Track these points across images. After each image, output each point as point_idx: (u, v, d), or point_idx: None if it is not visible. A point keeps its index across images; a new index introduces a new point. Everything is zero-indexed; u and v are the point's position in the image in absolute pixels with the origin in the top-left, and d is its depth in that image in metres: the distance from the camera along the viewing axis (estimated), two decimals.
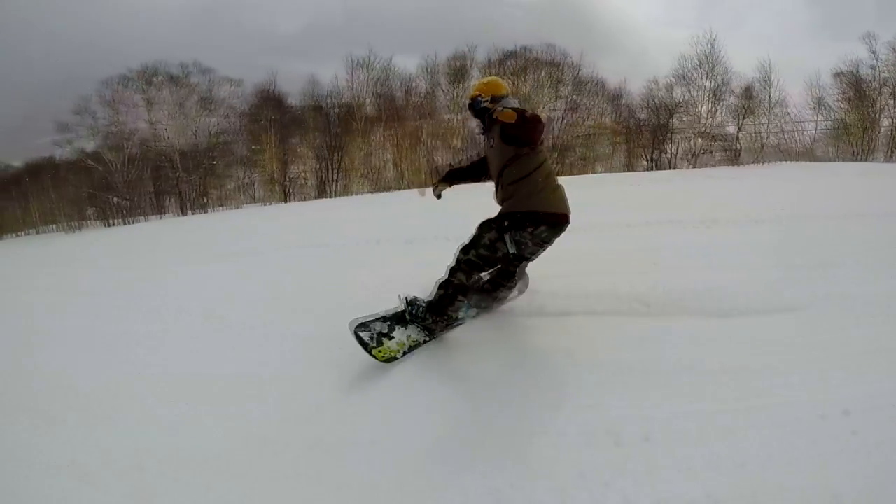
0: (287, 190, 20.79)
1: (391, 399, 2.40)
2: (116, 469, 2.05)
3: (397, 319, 2.76)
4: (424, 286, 2.95)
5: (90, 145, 21.01)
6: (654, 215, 5.59)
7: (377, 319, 2.71)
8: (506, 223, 2.63)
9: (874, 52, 16.86)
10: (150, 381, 2.91)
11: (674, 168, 17.71)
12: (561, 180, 2.70)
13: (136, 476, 2.00)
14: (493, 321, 2.99)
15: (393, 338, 2.67)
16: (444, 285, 2.72)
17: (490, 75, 4.12)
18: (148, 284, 5.27)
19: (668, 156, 18.62)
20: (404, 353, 2.68)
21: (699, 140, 18.12)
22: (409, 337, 2.71)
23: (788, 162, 16.16)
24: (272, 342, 3.22)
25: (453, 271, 2.71)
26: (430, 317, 2.73)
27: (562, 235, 2.72)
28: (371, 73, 19.82)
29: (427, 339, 2.78)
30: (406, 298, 2.79)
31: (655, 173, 15.72)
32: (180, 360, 3.23)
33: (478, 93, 2.71)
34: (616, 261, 3.78)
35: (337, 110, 20.18)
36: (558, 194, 2.71)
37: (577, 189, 3.06)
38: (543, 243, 2.68)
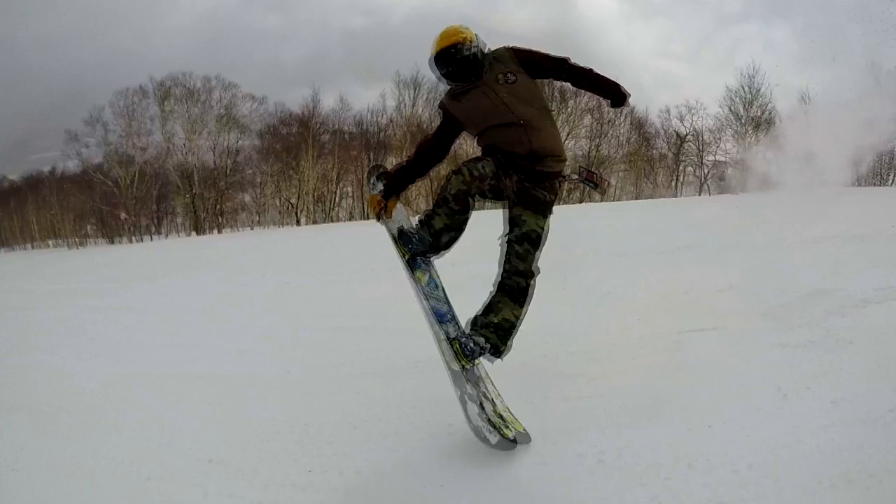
0: (329, 212, 19.84)
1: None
2: (116, 469, 2.03)
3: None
4: None
5: (98, 157, 19.50)
6: None
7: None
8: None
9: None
10: (150, 381, 2.96)
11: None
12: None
13: (135, 476, 1.97)
14: None
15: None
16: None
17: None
18: None
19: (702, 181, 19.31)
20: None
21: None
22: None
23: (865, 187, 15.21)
24: None
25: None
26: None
27: None
28: (419, 91, 19.50)
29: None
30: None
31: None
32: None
33: (458, 41, 2.01)
34: None
35: (378, 130, 19.70)
36: None
37: None
38: None
